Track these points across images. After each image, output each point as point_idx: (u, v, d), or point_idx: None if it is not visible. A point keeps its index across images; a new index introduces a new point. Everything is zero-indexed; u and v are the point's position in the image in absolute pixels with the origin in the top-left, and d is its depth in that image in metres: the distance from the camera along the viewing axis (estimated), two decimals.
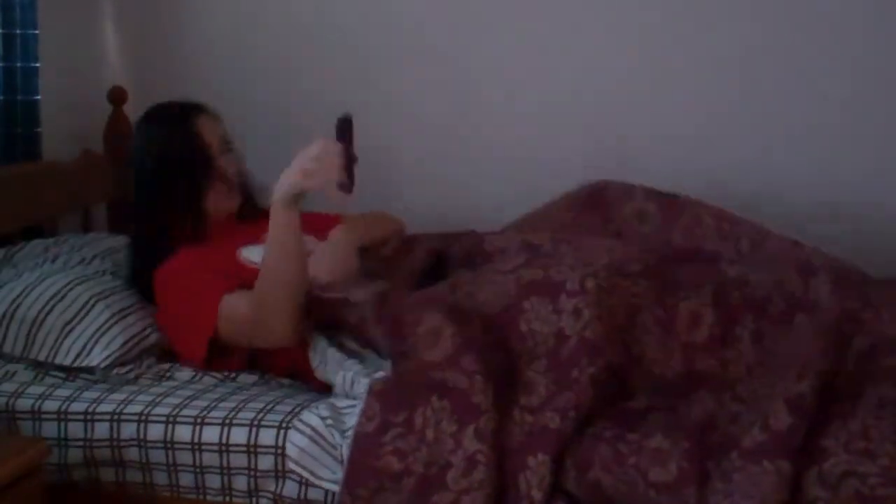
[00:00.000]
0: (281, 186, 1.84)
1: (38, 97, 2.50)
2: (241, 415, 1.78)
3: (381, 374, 1.74)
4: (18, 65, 2.46)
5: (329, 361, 1.85)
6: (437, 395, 1.64)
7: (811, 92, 2.36)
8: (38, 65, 2.48)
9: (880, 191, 2.35)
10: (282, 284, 1.86)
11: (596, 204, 2.13)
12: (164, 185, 2.10)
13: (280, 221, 1.85)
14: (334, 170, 1.78)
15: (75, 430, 1.83)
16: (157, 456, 1.80)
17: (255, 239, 2.08)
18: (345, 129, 1.83)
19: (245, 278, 1.97)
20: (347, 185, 1.79)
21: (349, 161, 1.79)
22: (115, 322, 2.02)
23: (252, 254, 2.09)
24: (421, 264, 2.11)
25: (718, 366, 1.76)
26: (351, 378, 1.77)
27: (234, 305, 1.93)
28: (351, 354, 1.85)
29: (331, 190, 1.79)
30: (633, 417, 1.66)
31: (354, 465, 1.62)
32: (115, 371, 1.98)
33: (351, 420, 1.69)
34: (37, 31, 2.47)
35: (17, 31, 2.44)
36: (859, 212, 2.34)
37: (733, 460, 1.52)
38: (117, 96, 2.69)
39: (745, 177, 2.32)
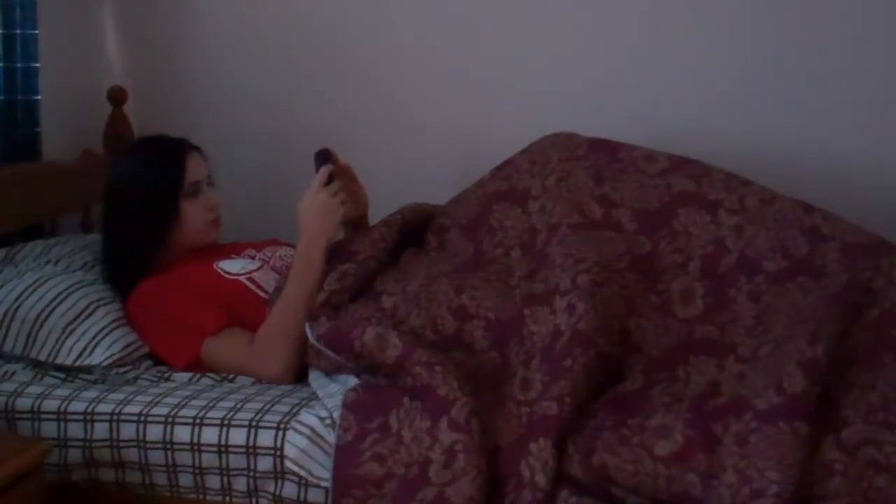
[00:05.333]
0: (315, 242, 2.00)
1: (38, 97, 2.50)
2: (239, 415, 1.79)
3: (351, 384, 1.78)
4: (18, 65, 2.46)
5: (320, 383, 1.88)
6: (409, 396, 1.68)
7: (812, 73, 2.35)
8: (38, 65, 2.49)
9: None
10: (301, 318, 1.93)
11: (603, 146, 2.14)
12: (147, 216, 2.13)
13: (317, 268, 1.99)
14: (339, 209, 2.03)
15: (75, 430, 1.84)
16: (157, 457, 1.80)
17: (229, 256, 2.17)
18: (324, 160, 2.05)
19: (222, 290, 2.06)
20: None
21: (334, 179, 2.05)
22: (117, 327, 2.04)
23: (229, 266, 2.13)
24: (393, 241, 2.13)
25: (716, 331, 1.79)
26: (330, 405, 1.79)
27: (221, 349, 1.99)
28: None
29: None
30: (632, 401, 1.68)
31: (338, 477, 1.65)
32: (113, 371, 1.98)
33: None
34: (37, 31, 2.47)
35: (17, 31, 2.44)
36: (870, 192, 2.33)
37: (748, 422, 1.54)
38: (117, 96, 2.69)
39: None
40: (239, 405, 1.82)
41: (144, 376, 2.00)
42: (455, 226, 2.14)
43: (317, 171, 2.04)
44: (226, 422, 1.78)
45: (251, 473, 1.76)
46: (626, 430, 1.61)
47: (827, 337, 1.62)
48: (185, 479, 1.80)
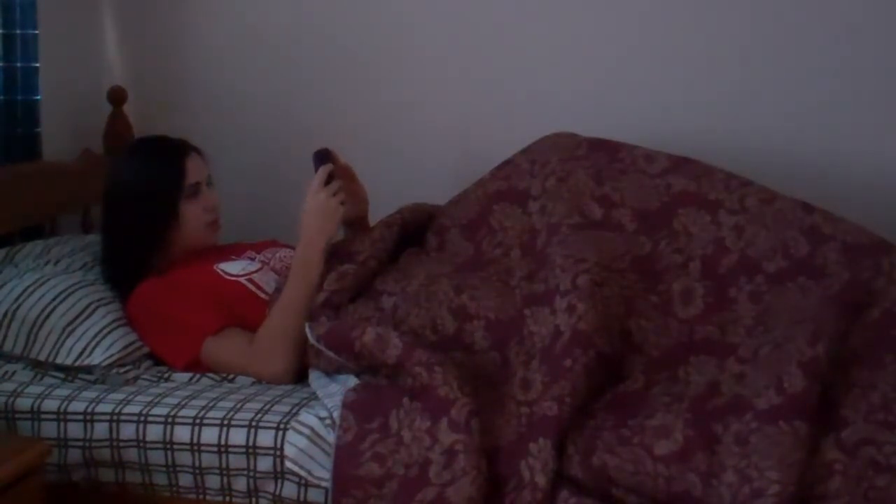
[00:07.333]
0: (315, 242, 2.00)
1: (38, 97, 2.50)
2: (239, 415, 1.79)
3: (351, 384, 1.78)
4: (18, 65, 2.45)
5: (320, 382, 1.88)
6: (408, 396, 1.68)
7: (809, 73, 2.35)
8: (38, 65, 2.48)
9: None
10: (301, 318, 1.93)
11: (603, 146, 2.14)
12: (147, 216, 2.13)
13: (316, 269, 1.99)
14: (338, 209, 2.02)
15: (74, 430, 1.83)
16: (157, 457, 1.80)
17: (229, 257, 2.17)
18: (322, 159, 2.05)
19: (222, 291, 2.06)
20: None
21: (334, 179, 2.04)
22: (117, 327, 2.04)
23: (229, 267, 2.13)
24: (392, 240, 2.13)
25: (717, 331, 1.79)
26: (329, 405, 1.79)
27: (220, 349, 1.99)
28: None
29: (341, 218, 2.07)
30: (632, 401, 1.69)
31: (338, 478, 1.65)
32: (113, 371, 1.98)
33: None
34: (37, 31, 2.47)
35: (17, 31, 2.44)
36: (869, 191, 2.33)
37: (748, 422, 1.54)
38: (117, 96, 2.69)
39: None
40: (239, 405, 1.81)
41: (144, 376, 2.00)
42: (455, 226, 2.14)
43: (316, 171, 2.04)
44: (226, 422, 1.78)
45: (251, 473, 1.76)
46: (626, 430, 1.61)
47: (827, 337, 1.63)
48: (185, 479, 1.80)
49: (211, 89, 2.76)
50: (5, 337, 2.02)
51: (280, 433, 1.74)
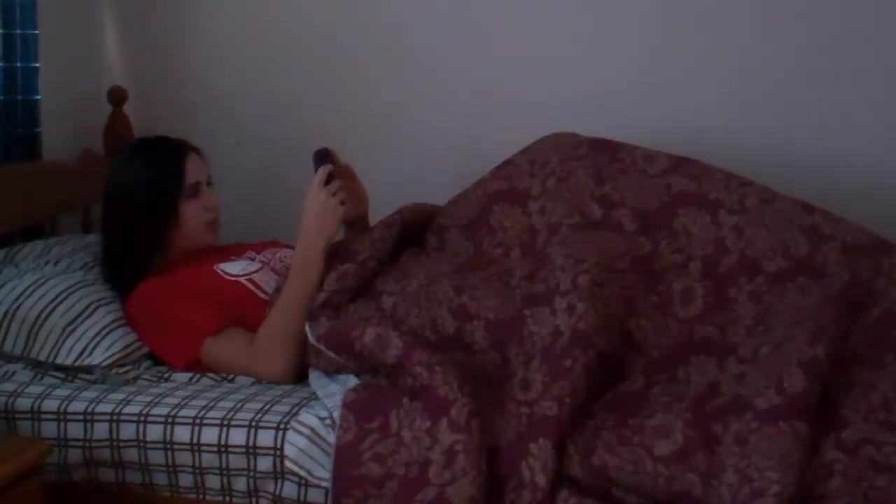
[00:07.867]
0: (315, 242, 1.99)
1: (38, 97, 2.50)
2: (239, 415, 1.79)
3: (351, 384, 1.78)
4: (18, 65, 2.46)
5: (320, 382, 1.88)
6: (408, 396, 1.68)
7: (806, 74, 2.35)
8: (38, 65, 2.49)
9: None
10: (301, 318, 1.93)
11: (603, 146, 2.14)
12: (147, 216, 2.13)
13: (316, 268, 1.98)
14: (338, 209, 2.01)
15: (74, 430, 1.83)
16: (157, 457, 1.80)
17: (229, 258, 2.17)
18: (323, 159, 2.05)
19: (223, 291, 2.06)
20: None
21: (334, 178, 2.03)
22: (117, 327, 2.04)
23: (229, 267, 2.13)
24: (392, 241, 2.12)
25: (717, 331, 1.79)
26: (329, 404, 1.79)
27: (221, 349, 1.99)
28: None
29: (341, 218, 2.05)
30: (632, 401, 1.69)
31: (338, 478, 1.65)
32: (113, 371, 1.99)
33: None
34: (37, 31, 2.47)
35: (17, 31, 2.44)
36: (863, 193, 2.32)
37: (748, 422, 1.54)
38: (117, 96, 2.70)
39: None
40: (239, 405, 1.81)
41: (144, 376, 2.00)
42: (455, 226, 2.14)
43: (316, 171, 2.04)
44: (226, 422, 1.78)
45: (251, 473, 1.76)
46: (627, 430, 1.61)
47: (827, 337, 1.62)
48: (185, 479, 1.80)
49: (211, 89, 2.76)
50: (5, 337, 2.02)
51: (280, 433, 1.74)
